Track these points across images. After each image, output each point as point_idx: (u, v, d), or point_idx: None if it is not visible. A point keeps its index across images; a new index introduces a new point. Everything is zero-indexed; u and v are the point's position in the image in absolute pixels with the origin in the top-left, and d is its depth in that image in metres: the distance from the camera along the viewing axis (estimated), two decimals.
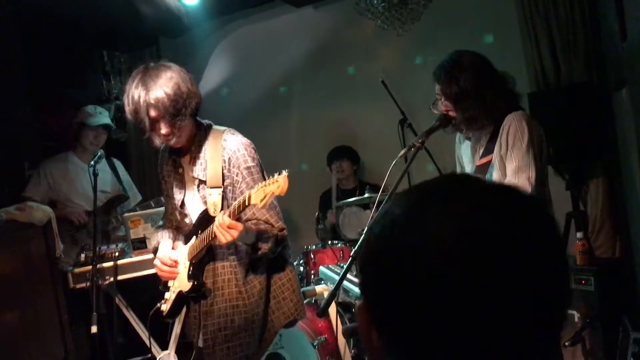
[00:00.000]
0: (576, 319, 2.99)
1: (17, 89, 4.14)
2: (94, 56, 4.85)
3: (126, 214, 3.40)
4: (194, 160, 2.23)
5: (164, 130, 2.07)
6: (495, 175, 2.31)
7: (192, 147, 2.23)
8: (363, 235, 0.69)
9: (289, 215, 4.90)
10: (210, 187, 2.16)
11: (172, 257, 2.28)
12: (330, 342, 3.06)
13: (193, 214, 2.31)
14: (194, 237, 2.25)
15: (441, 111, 2.38)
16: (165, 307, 2.32)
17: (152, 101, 2.02)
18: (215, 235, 2.02)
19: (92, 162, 3.27)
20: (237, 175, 2.16)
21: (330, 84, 4.76)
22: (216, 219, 1.99)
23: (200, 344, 2.25)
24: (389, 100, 4.14)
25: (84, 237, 3.63)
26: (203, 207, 2.23)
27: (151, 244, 3.26)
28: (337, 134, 4.69)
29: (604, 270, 3.04)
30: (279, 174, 1.83)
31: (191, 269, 2.23)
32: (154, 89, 2.02)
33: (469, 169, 2.47)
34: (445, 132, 2.42)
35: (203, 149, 2.21)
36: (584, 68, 3.53)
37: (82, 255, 3.30)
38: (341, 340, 3.07)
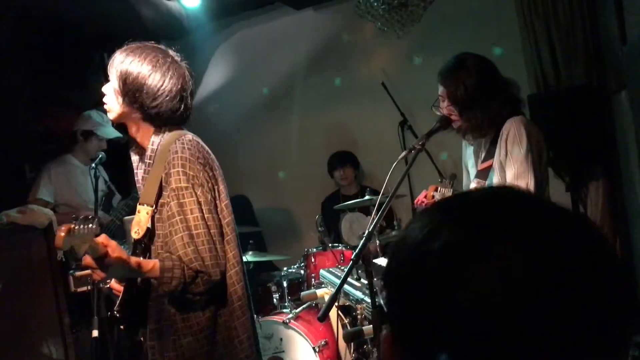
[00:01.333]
0: None
1: (17, 91, 4.15)
2: (95, 59, 4.85)
3: (127, 217, 3.41)
4: (145, 164, 1.92)
5: (104, 88, 1.93)
6: (495, 180, 2.31)
7: (146, 151, 1.92)
8: (392, 249, 0.62)
9: (290, 217, 4.92)
10: (142, 203, 1.82)
11: None
12: (331, 346, 3.06)
13: None
14: None
15: (443, 113, 2.38)
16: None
17: (112, 59, 1.88)
18: None
19: (93, 165, 3.26)
20: (168, 196, 1.79)
21: (331, 86, 4.76)
22: None
23: None
24: (389, 103, 4.15)
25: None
26: None
27: None
28: (338, 136, 4.70)
29: None
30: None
31: (124, 297, 1.92)
32: (123, 53, 1.87)
33: (472, 173, 2.47)
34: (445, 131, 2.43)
35: (154, 154, 1.88)
36: (584, 71, 3.54)
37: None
38: (342, 345, 3.07)
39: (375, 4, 4.12)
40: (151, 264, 1.71)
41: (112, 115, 1.92)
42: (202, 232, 1.76)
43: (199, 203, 1.78)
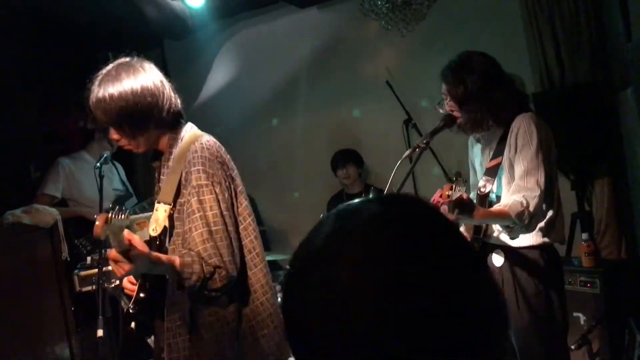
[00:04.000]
0: (582, 322, 2.97)
1: (22, 91, 4.16)
2: (100, 58, 4.86)
3: (132, 217, 3.40)
4: (164, 167, 1.95)
5: (112, 134, 1.91)
6: (504, 178, 2.31)
7: (165, 152, 1.96)
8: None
9: (294, 217, 4.91)
10: (159, 202, 1.85)
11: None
12: None
13: None
14: None
15: (446, 111, 2.38)
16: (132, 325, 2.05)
17: (98, 103, 1.84)
18: None
19: (98, 164, 3.24)
20: (188, 194, 1.81)
21: (335, 85, 4.75)
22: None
23: None
24: (393, 101, 4.14)
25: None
26: None
27: None
28: (342, 135, 4.69)
29: (609, 272, 3.02)
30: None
31: (139, 294, 1.92)
32: (103, 90, 1.84)
33: (480, 171, 2.47)
34: (450, 130, 2.42)
35: (173, 156, 1.92)
36: (589, 68, 3.51)
37: (88, 258, 3.31)
38: None
39: (379, 2, 4.11)
40: (172, 259, 1.72)
41: (139, 149, 1.94)
42: (220, 229, 1.79)
43: (218, 200, 1.80)
